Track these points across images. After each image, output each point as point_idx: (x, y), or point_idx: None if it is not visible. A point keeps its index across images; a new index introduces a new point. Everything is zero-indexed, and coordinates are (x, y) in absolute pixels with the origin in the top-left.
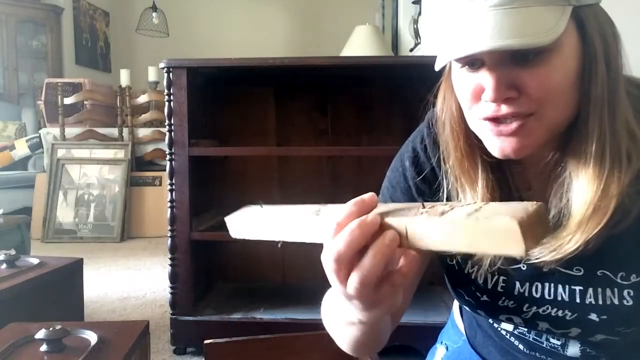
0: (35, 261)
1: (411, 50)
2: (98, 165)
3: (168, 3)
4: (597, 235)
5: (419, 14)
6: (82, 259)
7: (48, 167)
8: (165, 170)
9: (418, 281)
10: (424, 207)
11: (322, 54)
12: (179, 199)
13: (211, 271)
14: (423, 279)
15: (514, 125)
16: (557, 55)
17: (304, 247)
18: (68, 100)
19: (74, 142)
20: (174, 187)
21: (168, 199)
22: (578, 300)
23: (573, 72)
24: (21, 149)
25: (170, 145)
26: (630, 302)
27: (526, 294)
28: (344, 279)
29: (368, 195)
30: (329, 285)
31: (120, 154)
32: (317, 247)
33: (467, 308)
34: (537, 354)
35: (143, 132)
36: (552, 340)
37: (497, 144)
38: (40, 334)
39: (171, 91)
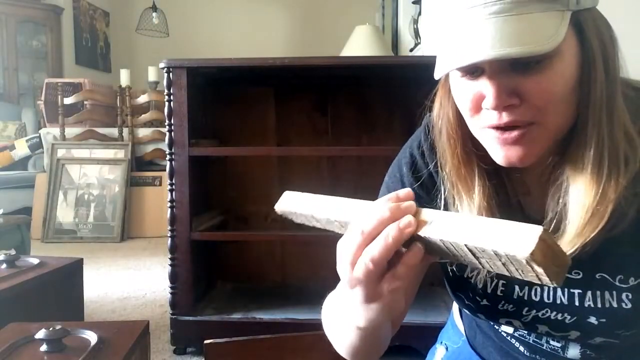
0: (35, 261)
1: (411, 50)
2: (98, 165)
3: (168, 3)
4: (594, 238)
5: (419, 14)
6: (82, 259)
7: (48, 167)
8: (165, 170)
9: (417, 288)
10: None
11: (322, 54)
12: (179, 199)
13: (211, 271)
14: (423, 279)
15: (515, 133)
16: (557, 62)
17: (304, 247)
18: (68, 100)
19: (74, 142)
20: (174, 187)
21: (168, 199)
22: (577, 304)
23: (573, 77)
24: (21, 149)
25: (170, 145)
26: (629, 305)
27: (525, 298)
28: (354, 262)
29: (405, 201)
30: (329, 286)
31: (120, 154)
32: (316, 248)
33: (467, 311)
34: (537, 356)
35: (143, 132)
36: (552, 342)
37: (502, 153)
38: (40, 334)
39: (171, 91)
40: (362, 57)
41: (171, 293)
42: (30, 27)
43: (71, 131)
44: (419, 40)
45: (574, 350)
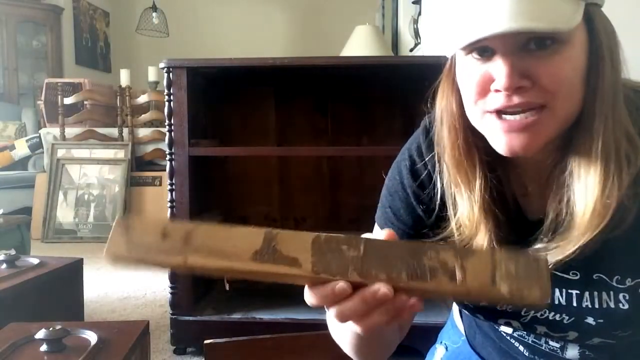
0: (35, 261)
1: (411, 50)
2: (98, 165)
3: (168, 3)
4: (596, 237)
5: (419, 14)
6: (82, 259)
7: (48, 167)
8: (165, 170)
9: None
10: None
11: (322, 54)
12: (179, 199)
13: None
14: None
15: (522, 119)
16: (569, 48)
17: None
18: (68, 100)
19: (74, 142)
20: (174, 187)
21: (168, 199)
22: (575, 304)
23: (582, 67)
24: (21, 149)
25: (170, 145)
26: (626, 306)
27: None
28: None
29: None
30: None
31: (120, 154)
32: None
33: (466, 311)
34: (536, 356)
35: (143, 132)
36: (551, 343)
37: (505, 141)
38: (40, 334)
39: (171, 91)
40: (362, 57)
41: (171, 293)
42: (30, 27)
43: (71, 131)
44: (419, 40)
45: (572, 351)
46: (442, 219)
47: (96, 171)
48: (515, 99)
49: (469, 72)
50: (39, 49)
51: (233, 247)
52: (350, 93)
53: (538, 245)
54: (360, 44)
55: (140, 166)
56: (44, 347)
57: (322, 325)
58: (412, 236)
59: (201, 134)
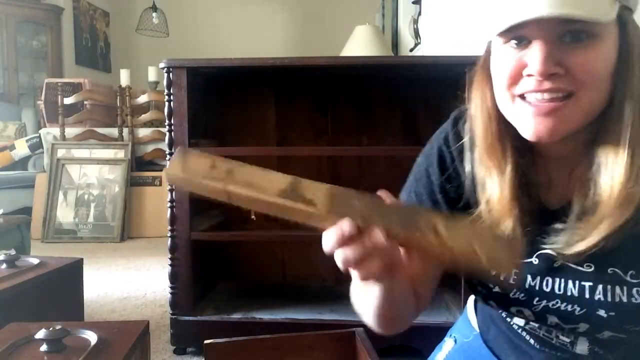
0: (35, 261)
1: (411, 50)
2: (98, 165)
3: (168, 3)
4: (618, 230)
5: (419, 14)
6: (82, 259)
7: (48, 167)
8: None
9: (433, 281)
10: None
11: (322, 54)
12: (179, 199)
13: (211, 271)
14: None
15: (551, 103)
16: (602, 43)
17: (304, 247)
18: (68, 100)
19: (74, 142)
20: (174, 187)
21: (168, 199)
22: (587, 296)
23: (612, 64)
24: (21, 149)
25: (170, 145)
26: (639, 300)
27: (537, 288)
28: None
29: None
30: (329, 286)
31: (120, 154)
32: (317, 248)
33: (479, 298)
34: (547, 349)
35: (143, 132)
36: (561, 337)
37: (532, 125)
38: (40, 334)
39: (171, 91)
40: (362, 57)
41: (171, 293)
42: (30, 27)
43: (71, 131)
44: (419, 40)
45: (582, 346)
46: (459, 210)
47: (96, 171)
48: (547, 84)
49: (505, 58)
50: (39, 49)
51: (264, 183)
52: (350, 93)
53: (561, 235)
54: (360, 44)
55: (140, 166)
56: (43, 347)
57: (322, 325)
58: None
59: (201, 134)
